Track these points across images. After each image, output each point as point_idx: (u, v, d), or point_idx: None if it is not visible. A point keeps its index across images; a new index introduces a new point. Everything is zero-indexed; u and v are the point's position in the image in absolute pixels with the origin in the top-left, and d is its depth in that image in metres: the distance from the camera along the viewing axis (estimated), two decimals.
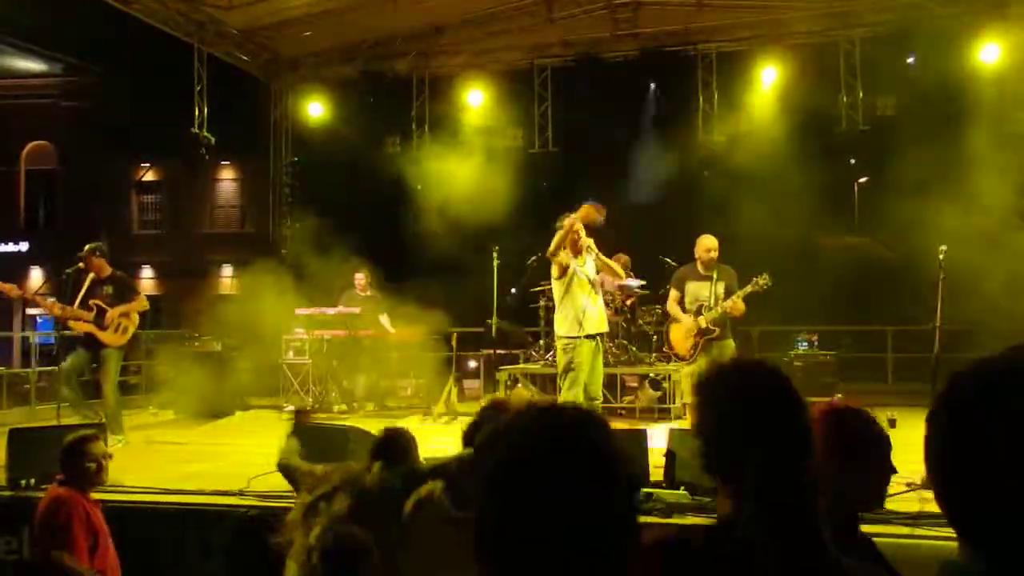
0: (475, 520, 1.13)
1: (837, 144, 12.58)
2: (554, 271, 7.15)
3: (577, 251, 7.00)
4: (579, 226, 6.94)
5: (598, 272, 7.16)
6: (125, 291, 8.08)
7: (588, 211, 7.08)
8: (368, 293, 11.00)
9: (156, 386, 12.05)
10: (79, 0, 11.73)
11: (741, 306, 7.21)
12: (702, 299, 7.39)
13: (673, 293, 7.65)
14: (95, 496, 4.40)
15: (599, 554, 1.08)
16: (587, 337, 6.87)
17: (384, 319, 10.83)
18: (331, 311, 10.88)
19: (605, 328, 7.27)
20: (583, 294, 6.93)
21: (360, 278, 11.02)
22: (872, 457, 2.28)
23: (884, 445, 2.32)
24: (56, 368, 8.47)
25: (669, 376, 9.38)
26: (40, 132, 26.20)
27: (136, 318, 8.06)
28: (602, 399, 7.59)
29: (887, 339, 11.80)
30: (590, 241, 7.00)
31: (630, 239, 10.61)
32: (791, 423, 1.56)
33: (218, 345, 11.09)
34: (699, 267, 7.51)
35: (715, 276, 7.39)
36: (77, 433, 4.46)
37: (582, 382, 6.89)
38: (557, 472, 1.09)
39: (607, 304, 9.85)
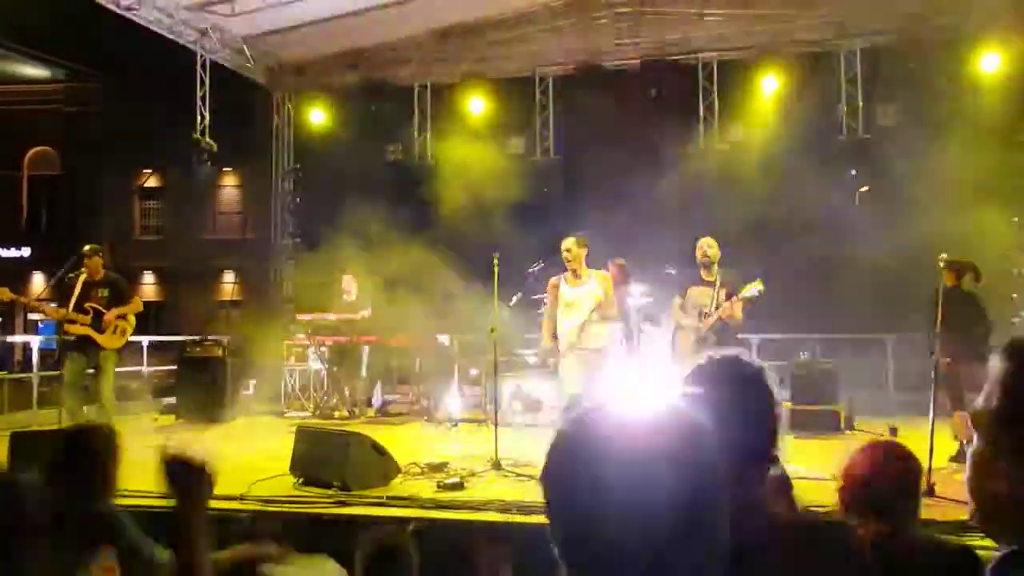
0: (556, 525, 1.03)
1: (837, 153, 12.61)
2: None
3: (575, 276, 7.23)
4: (566, 255, 7.18)
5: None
6: (121, 293, 8.07)
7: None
8: (355, 297, 11.01)
9: (157, 391, 12.07)
10: (82, 6, 11.73)
11: (737, 313, 7.23)
12: (702, 305, 7.41)
13: (676, 300, 7.67)
14: None
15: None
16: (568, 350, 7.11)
17: (366, 312, 10.76)
18: (332, 316, 10.89)
19: (585, 344, 7.11)
20: (562, 315, 7.22)
21: (348, 281, 11.05)
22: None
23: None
24: (59, 372, 8.47)
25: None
26: (43, 138, 26.27)
27: (133, 320, 8.05)
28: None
29: (887, 347, 11.81)
30: (582, 271, 7.20)
31: (630, 247, 10.64)
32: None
33: (219, 350, 11.09)
34: (701, 272, 7.55)
35: (717, 282, 7.41)
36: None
37: (566, 393, 7.11)
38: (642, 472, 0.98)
39: None
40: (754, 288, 7.24)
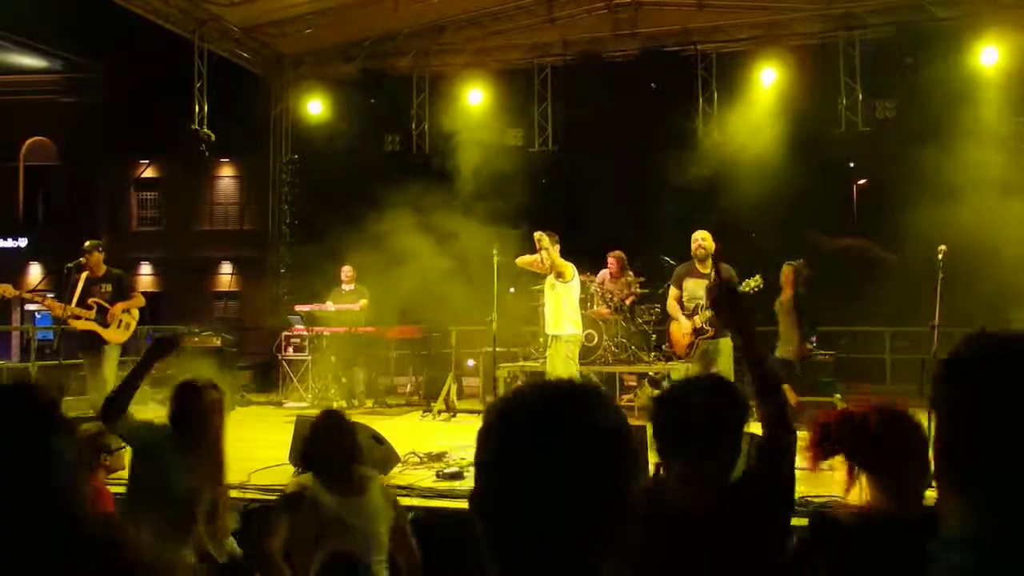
0: (475, 498, 1.11)
1: (836, 146, 12.60)
2: None
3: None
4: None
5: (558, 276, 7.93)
6: (124, 288, 8.10)
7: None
8: (353, 287, 11.04)
9: (156, 382, 12.05)
10: None
11: None
12: (698, 298, 7.44)
13: (672, 291, 7.72)
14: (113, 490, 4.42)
15: (595, 532, 1.06)
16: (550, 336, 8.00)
17: (364, 302, 10.82)
18: (330, 307, 10.91)
19: (551, 330, 8.05)
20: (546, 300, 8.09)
21: (346, 271, 11.08)
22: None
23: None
24: (56, 363, 8.49)
25: (669, 374, 9.40)
26: (39, 128, 26.18)
27: (137, 314, 8.08)
28: None
29: (885, 340, 11.85)
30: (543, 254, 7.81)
31: (628, 238, 10.65)
32: None
33: (217, 341, 11.10)
34: (696, 264, 7.58)
35: (712, 275, 7.43)
36: (92, 426, 4.44)
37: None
38: (557, 445, 1.05)
39: (607, 303, 9.91)
40: (753, 283, 7.28)
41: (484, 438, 1.11)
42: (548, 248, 7.69)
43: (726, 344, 7.39)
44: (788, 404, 2.27)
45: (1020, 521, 1.03)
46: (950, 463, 1.13)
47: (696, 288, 7.49)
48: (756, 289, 7.28)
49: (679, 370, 7.76)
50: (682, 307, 7.65)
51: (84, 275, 7.86)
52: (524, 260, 8.08)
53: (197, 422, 3.90)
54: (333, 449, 3.72)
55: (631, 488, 1.09)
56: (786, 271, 8.23)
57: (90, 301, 7.78)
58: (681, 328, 7.58)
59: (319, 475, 3.66)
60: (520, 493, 1.04)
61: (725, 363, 7.35)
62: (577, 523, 1.04)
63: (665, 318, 8.64)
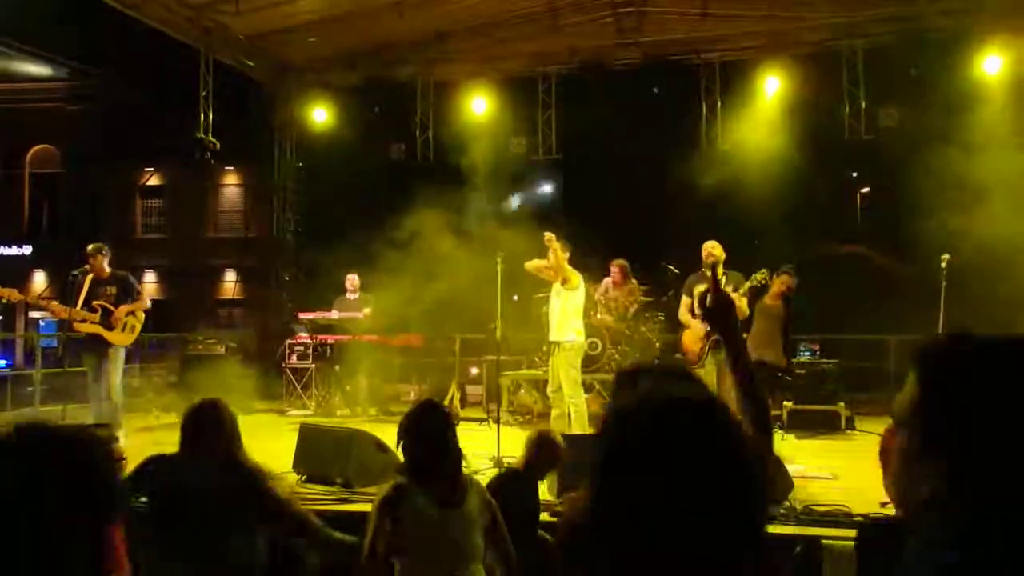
0: (593, 512, 1.08)
1: (839, 154, 12.61)
2: None
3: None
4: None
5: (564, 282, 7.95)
6: (129, 290, 8.04)
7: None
8: (357, 295, 11.06)
9: (159, 389, 12.07)
10: (85, 4, 11.74)
11: (743, 304, 7.30)
12: None
13: (684, 300, 7.80)
14: None
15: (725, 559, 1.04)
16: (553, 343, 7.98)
17: (368, 310, 10.85)
18: (334, 315, 10.92)
19: (554, 337, 7.99)
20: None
21: (351, 279, 11.10)
22: None
23: None
24: (60, 370, 8.49)
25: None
26: (45, 136, 26.29)
27: (141, 316, 8.04)
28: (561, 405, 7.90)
29: (890, 348, 11.82)
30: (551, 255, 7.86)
31: (632, 246, 10.66)
32: None
33: (221, 348, 11.11)
34: (706, 272, 7.64)
35: (723, 281, 7.49)
36: (96, 434, 4.40)
37: (551, 386, 7.88)
38: (693, 467, 1.03)
39: (610, 311, 9.92)
40: (759, 277, 7.36)
41: (618, 450, 1.08)
42: (556, 249, 7.69)
43: None
44: (768, 405, 2.29)
45: (1008, 517, 1.04)
46: (935, 458, 1.13)
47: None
48: (762, 283, 7.37)
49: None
50: (693, 315, 7.71)
51: (89, 278, 7.84)
52: (532, 265, 8.09)
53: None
54: (443, 455, 3.38)
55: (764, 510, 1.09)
56: (786, 280, 8.30)
57: (95, 304, 7.73)
58: (693, 334, 7.64)
59: (422, 481, 3.30)
60: (669, 509, 1.02)
61: None
62: (721, 541, 1.03)
63: (670, 326, 8.68)
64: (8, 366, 12.48)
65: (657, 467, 1.03)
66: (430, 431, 3.39)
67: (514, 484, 4.24)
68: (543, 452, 4.40)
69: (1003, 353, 1.13)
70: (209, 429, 3.49)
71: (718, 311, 2.28)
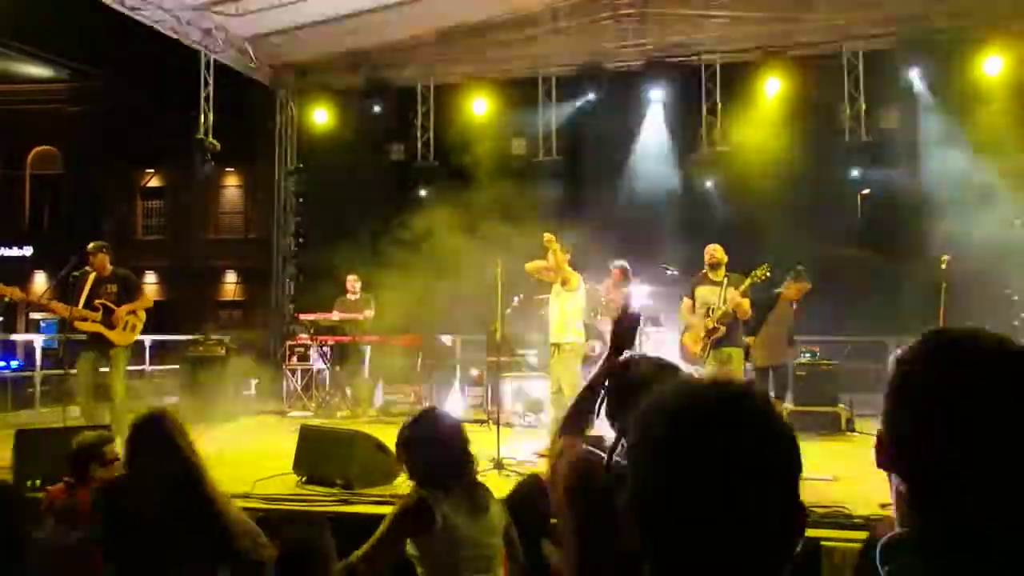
0: (632, 503, 1.06)
1: (840, 156, 12.61)
2: None
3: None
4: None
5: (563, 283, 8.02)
6: (131, 289, 7.97)
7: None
8: (359, 296, 11.08)
9: (159, 390, 12.08)
10: (86, 6, 11.74)
11: (745, 304, 7.34)
12: (711, 303, 7.55)
13: (685, 302, 7.84)
14: None
15: (768, 548, 1.02)
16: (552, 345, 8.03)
17: (369, 312, 10.87)
18: (335, 316, 10.93)
19: (554, 338, 8.03)
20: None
21: (352, 280, 11.12)
22: None
23: None
24: (61, 372, 8.46)
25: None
26: (46, 137, 26.31)
27: (143, 315, 7.96)
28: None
29: (888, 350, 11.82)
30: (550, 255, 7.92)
31: (632, 248, 10.65)
32: None
33: (222, 350, 11.11)
34: (708, 273, 7.70)
35: (725, 283, 7.54)
36: (90, 435, 4.38)
37: (552, 388, 7.93)
38: (739, 452, 1.01)
39: (610, 313, 9.92)
40: (760, 273, 7.39)
41: (657, 440, 1.06)
42: (556, 250, 7.73)
43: (737, 352, 7.54)
44: (588, 411, 2.42)
45: (962, 520, 1.03)
46: (900, 461, 1.12)
47: (708, 295, 7.64)
48: (764, 278, 7.41)
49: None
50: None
51: (91, 277, 7.80)
52: (533, 266, 8.12)
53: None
54: (464, 462, 3.25)
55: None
56: (804, 287, 8.48)
57: (96, 303, 7.67)
58: (694, 334, 7.69)
59: (447, 492, 3.14)
60: (715, 501, 1.00)
61: (737, 369, 7.49)
62: (760, 535, 1.01)
63: (669, 327, 8.71)
64: (21, 367, 12.43)
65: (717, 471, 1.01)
66: (446, 437, 3.23)
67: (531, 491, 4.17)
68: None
69: (978, 360, 1.09)
70: (155, 447, 3.14)
71: (625, 328, 2.45)
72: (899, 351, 1.17)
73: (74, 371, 7.75)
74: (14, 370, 12.73)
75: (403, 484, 5.96)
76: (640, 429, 1.08)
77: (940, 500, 1.05)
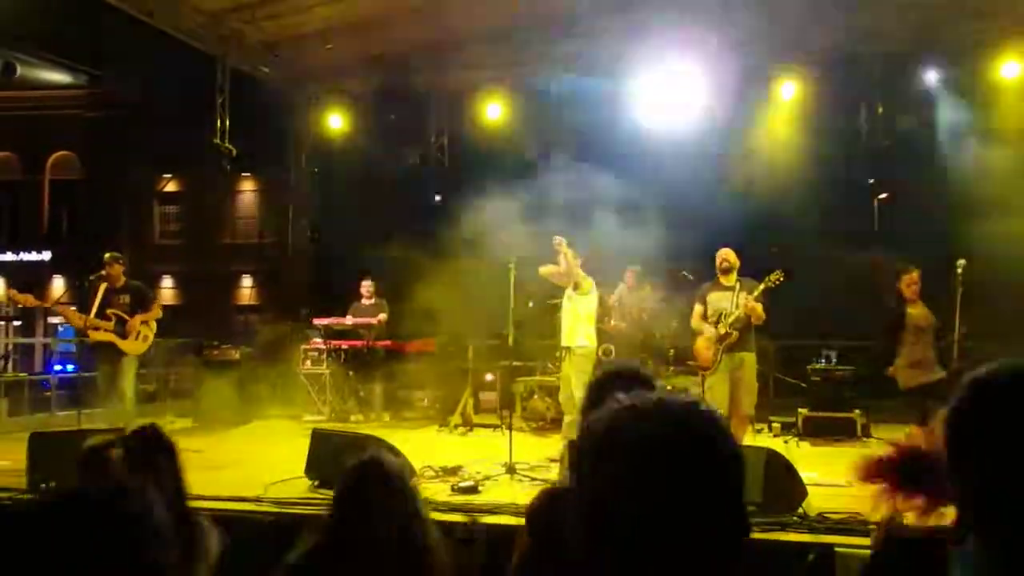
0: (586, 513, 1.08)
1: (857, 160, 12.53)
2: None
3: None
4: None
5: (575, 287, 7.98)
6: (143, 299, 8.13)
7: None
8: (373, 301, 11.09)
9: (175, 394, 12.14)
10: (104, 12, 11.85)
11: (759, 308, 7.22)
12: (723, 309, 7.45)
13: (697, 308, 7.74)
14: None
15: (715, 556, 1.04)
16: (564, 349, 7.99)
17: (383, 316, 10.90)
18: (348, 321, 10.95)
19: (565, 342, 7.97)
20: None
21: (367, 285, 11.14)
22: None
23: None
24: (77, 375, 8.55)
25: (687, 390, 9.35)
26: (64, 142, 26.54)
27: (154, 326, 8.12)
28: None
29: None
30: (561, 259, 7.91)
31: (646, 252, 10.61)
32: None
33: (236, 354, 11.15)
34: (720, 278, 7.61)
35: (737, 287, 7.45)
36: (98, 438, 4.40)
37: (563, 393, 7.85)
38: (682, 466, 1.04)
39: (624, 317, 9.90)
40: (774, 278, 7.31)
41: (599, 455, 1.08)
42: (566, 252, 7.71)
43: (750, 357, 7.40)
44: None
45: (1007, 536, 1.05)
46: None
47: (720, 300, 7.53)
48: (777, 283, 7.32)
49: (708, 383, 7.69)
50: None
51: (104, 286, 7.93)
52: (546, 270, 8.10)
53: None
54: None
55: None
56: (915, 276, 7.42)
57: (109, 312, 7.83)
58: (706, 339, 7.59)
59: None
60: (653, 514, 1.03)
61: (750, 374, 7.37)
62: (701, 548, 1.03)
63: (684, 332, 8.64)
64: (76, 370, 12.44)
65: (647, 478, 1.03)
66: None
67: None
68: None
69: None
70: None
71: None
72: (974, 374, 1.20)
73: (89, 375, 7.88)
74: (70, 374, 12.76)
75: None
76: (590, 444, 1.11)
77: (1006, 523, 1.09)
